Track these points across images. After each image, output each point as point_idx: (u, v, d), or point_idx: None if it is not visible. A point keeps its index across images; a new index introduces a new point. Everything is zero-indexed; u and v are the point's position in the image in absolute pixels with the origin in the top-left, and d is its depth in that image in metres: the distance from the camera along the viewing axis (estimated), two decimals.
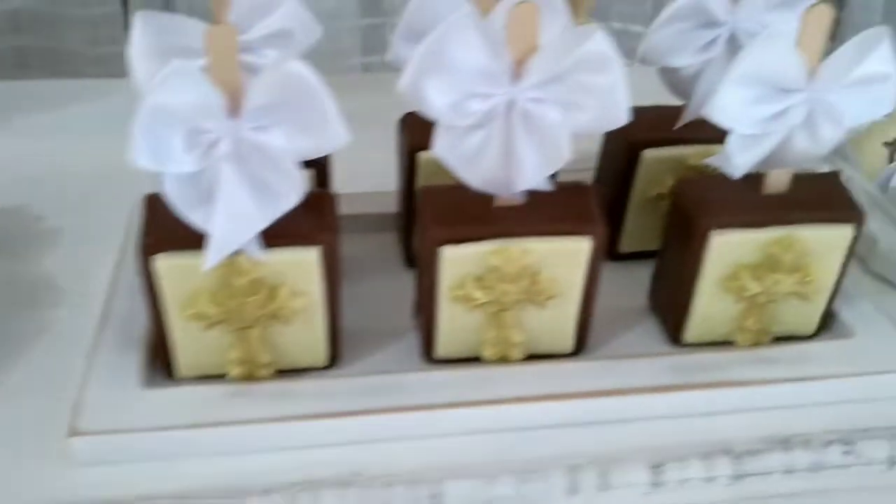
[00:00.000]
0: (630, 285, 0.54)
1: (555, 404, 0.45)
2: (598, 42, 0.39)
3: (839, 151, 0.67)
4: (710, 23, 0.48)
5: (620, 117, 0.41)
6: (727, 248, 0.45)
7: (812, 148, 0.44)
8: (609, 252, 0.56)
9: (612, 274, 0.55)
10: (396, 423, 0.44)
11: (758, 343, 0.49)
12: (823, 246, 0.46)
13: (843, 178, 0.48)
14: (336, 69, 1.18)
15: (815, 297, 0.48)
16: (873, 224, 0.58)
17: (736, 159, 0.43)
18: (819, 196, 0.46)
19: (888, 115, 0.67)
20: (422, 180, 0.51)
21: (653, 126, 0.52)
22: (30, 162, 0.67)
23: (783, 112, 0.42)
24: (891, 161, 0.64)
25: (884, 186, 0.62)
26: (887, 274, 0.56)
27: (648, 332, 0.51)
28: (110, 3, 1.19)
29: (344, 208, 0.57)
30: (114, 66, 0.98)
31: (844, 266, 0.47)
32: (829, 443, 0.45)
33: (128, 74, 0.43)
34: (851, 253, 0.47)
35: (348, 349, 0.49)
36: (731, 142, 0.43)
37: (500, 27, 0.40)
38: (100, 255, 0.54)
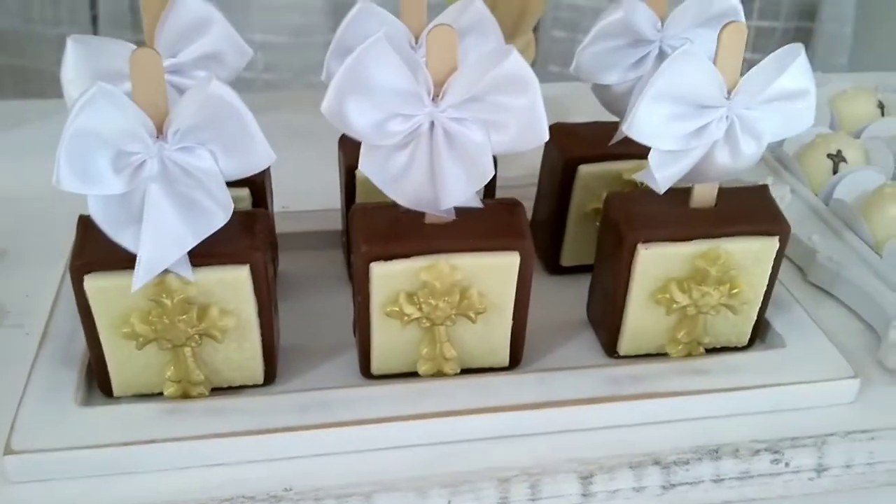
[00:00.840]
0: (570, 298, 0.54)
1: (486, 417, 0.45)
2: (515, 63, 0.40)
3: (784, 163, 0.68)
4: (639, 41, 0.49)
5: (541, 136, 0.41)
6: (655, 261, 0.46)
7: (733, 163, 0.44)
8: (550, 265, 0.57)
9: (553, 287, 0.56)
10: (327, 439, 0.44)
11: (690, 354, 0.49)
12: (749, 258, 0.47)
13: (771, 191, 0.49)
14: (305, 84, 1.19)
15: (744, 308, 0.48)
16: (814, 235, 0.59)
17: (658, 175, 0.44)
18: (745, 209, 0.47)
19: (832, 128, 0.68)
20: (360, 197, 0.52)
21: (588, 142, 0.53)
22: None
23: (702, 128, 0.43)
24: (834, 172, 0.64)
25: (827, 198, 0.63)
26: (824, 284, 0.57)
27: (586, 344, 0.52)
28: (80, 22, 1.19)
29: (291, 226, 0.58)
30: None
31: (772, 278, 0.48)
32: (758, 451, 0.46)
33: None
34: (779, 265, 0.48)
35: (289, 365, 0.49)
36: (653, 158, 0.43)
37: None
38: (44, 276, 0.54)
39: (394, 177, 0.43)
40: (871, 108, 0.73)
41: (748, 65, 1.27)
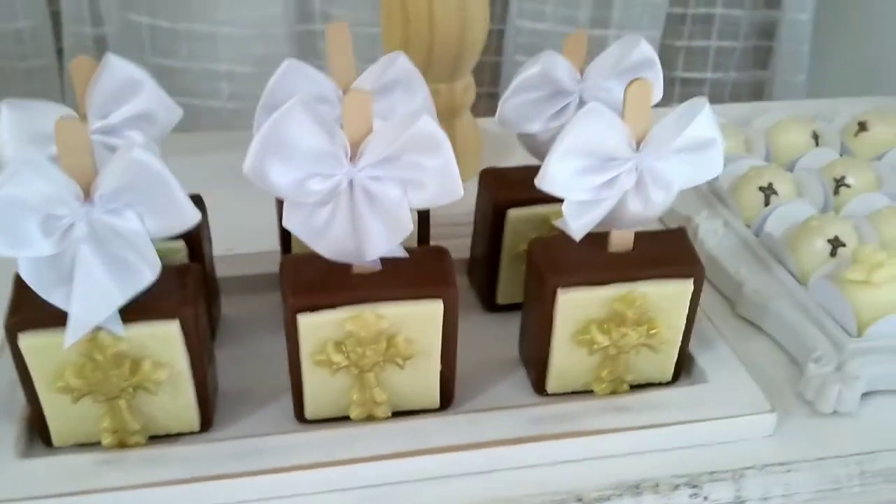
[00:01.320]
0: (505, 337, 0.56)
1: (415, 460, 0.47)
2: (427, 125, 0.41)
3: (719, 196, 0.70)
4: (559, 91, 0.51)
5: (456, 193, 0.43)
6: (575, 304, 0.48)
7: (645, 211, 0.46)
8: (487, 303, 0.59)
9: (489, 324, 0.58)
10: (260, 485, 0.46)
11: (615, 391, 0.51)
12: (666, 300, 0.49)
13: (688, 234, 0.51)
14: None
15: (663, 347, 0.50)
16: (742, 268, 0.61)
17: (572, 224, 0.46)
18: (661, 252, 0.49)
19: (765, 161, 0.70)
20: (295, 242, 0.54)
21: (517, 186, 0.55)
22: None
23: (612, 180, 0.45)
24: (766, 205, 0.66)
25: (758, 230, 0.65)
26: (752, 317, 0.59)
27: (518, 382, 0.54)
28: (46, 55, 1.20)
29: (233, 269, 0.60)
30: None
31: (691, 317, 0.50)
32: (677, 487, 0.48)
33: None
34: (696, 305, 0.50)
35: (228, 410, 0.51)
36: (566, 208, 0.45)
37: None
38: None
39: (317, 231, 0.44)
40: (805, 138, 0.75)
41: (710, 85, 1.28)
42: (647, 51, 0.50)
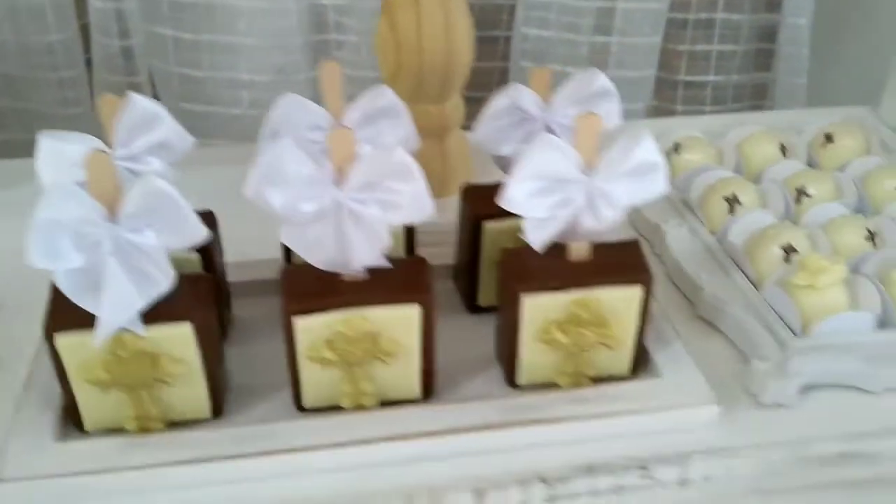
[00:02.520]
0: (484, 335, 0.62)
1: (397, 444, 0.54)
2: (402, 156, 0.48)
3: (688, 205, 0.76)
4: (526, 118, 0.58)
5: (427, 212, 0.50)
6: (537, 307, 0.55)
7: (597, 226, 0.53)
8: (469, 305, 0.66)
9: (470, 324, 0.65)
10: (262, 465, 0.53)
11: (577, 385, 0.58)
12: (619, 304, 0.55)
13: (641, 244, 0.57)
14: None
15: (619, 346, 0.57)
16: (703, 273, 0.67)
17: (532, 237, 0.52)
18: (615, 262, 0.55)
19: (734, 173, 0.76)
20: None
21: (492, 201, 0.61)
22: None
23: (565, 200, 0.51)
24: (730, 214, 0.72)
25: (722, 238, 0.71)
26: (710, 317, 0.65)
27: (493, 377, 0.60)
28: (76, 65, 1.28)
29: (244, 274, 0.67)
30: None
31: (643, 318, 0.56)
32: (628, 468, 0.54)
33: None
34: (646, 308, 0.56)
35: (238, 401, 0.58)
36: (526, 224, 0.52)
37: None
38: (33, 328, 0.63)
39: (309, 245, 0.51)
40: (774, 150, 0.80)
41: (712, 87, 1.31)
42: (604, 82, 0.57)
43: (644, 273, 0.55)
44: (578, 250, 0.55)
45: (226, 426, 0.55)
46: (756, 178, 0.78)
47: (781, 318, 0.62)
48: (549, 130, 0.58)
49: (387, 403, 0.57)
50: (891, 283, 0.63)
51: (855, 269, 0.65)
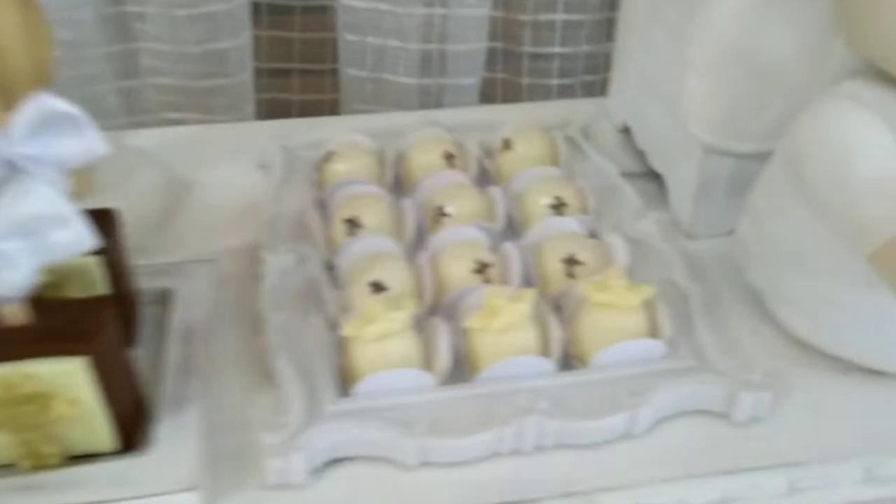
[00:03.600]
0: None
1: None
2: None
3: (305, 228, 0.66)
4: None
5: None
6: None
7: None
8: None
9: None
10: None
11: (42, 466, 0.48)
12: (59, 377, 0.46)
13: (105, 302, 0.48)
14: None
15: (85, 420, 0.48)
16: (280, 312, 0.58)
17: None
18: (55, 328, 0.46)
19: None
20: None
21: None
22: None
23: None
24: (348, 237, 0.63)
25: (336, 263, 0.62)
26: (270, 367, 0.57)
27: None
28: None
29: None
30: None
31: (114, 387, 0.47)
32: None
33: None
34: (110, 377, 0.47)
35: None
36: None
37: None
38: None
39: None
40: (435, 158, 0.70)
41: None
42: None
43: (87, 343, 0.46)
44: (12, 313, 0.46)
45: None
46: (413, 191, 0.68)
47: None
48: (13, 167, 0.49)
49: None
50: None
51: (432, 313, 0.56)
